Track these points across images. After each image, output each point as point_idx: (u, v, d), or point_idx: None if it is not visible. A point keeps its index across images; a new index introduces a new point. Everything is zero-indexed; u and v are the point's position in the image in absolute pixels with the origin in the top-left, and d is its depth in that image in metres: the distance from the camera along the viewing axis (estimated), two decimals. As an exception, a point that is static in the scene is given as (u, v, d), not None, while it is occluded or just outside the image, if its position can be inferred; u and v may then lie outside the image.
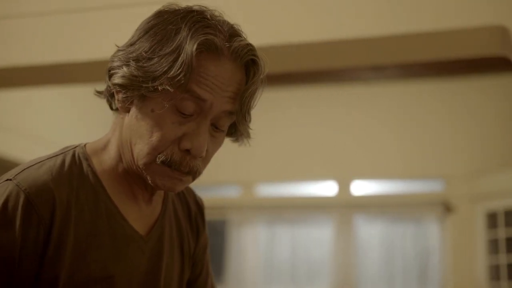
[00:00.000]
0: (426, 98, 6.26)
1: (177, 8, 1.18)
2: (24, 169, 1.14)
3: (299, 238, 6.42)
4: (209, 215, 6.00)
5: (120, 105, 1.20)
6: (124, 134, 1.21)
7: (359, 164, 6.34)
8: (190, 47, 1.10)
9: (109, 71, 1.19)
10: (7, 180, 1.12)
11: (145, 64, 1.13)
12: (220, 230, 6.71)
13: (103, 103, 1.29)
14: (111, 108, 1.26)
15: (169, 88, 1.10)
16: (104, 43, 2.44)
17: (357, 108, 6.43)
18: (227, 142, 1.35)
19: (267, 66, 1.18)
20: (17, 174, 1.12)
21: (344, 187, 6.37)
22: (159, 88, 1.10)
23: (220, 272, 6.51)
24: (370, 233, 6.25)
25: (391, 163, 6.26)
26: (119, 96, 1.19)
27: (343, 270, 6.19)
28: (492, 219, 5.75)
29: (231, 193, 6.73)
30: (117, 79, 1.16)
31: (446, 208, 5.99)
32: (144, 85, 1.12)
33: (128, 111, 1.20)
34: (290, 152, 6.48)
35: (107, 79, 1.20)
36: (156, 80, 1.11)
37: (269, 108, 6.61)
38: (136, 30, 1.20)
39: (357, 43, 2.29)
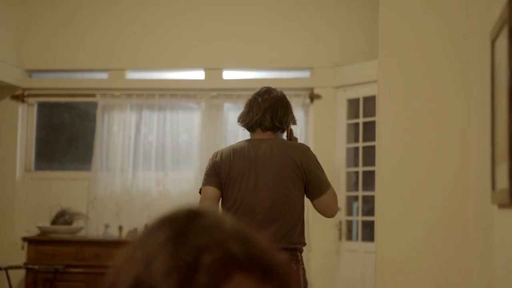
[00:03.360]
0: (296, -13, 6.33)
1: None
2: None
3: (167, 123, 6.48)
4: (78, 98, 6.00)
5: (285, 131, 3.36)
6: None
7: (228, 54, 6.40)
8: None
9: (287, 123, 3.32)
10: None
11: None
12: (90, 113, 6.66)
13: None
14: (275, 130, 3.28)
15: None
16: None
17: (227, -4, 6.42)
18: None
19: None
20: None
21: (213, 75, 6.43)
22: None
23: (89, 156, 6.51)
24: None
25: (259, 53, 6.36)
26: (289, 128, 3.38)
27: (210, 155, 6.32)
28: (352, 106, 6.05)
29: (101, 77, 6.65)
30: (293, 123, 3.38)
31: (311, 96, 6.22)
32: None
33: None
34: (160, 39, 6.43)
35: (287, 124, 3.31)
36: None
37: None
38: (281, 106, 3.28)
39: None
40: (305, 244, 3.26)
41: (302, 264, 3.23)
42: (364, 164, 5.87)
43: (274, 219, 3.14)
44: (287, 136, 3.40)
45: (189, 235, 0.79)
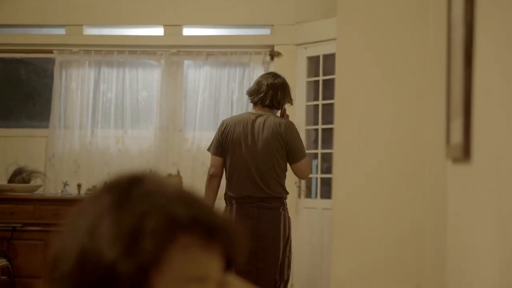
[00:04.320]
0: None
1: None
2: None
3: (126, 80, 6.40)
4: (34, 54, 5.88)
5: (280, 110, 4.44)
6: None
7: (188, 10, 6.32)
8: None
9: (282, 104, 4.39)
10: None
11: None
12: (47, 70, 6.54)
13: None
14: (272, 108, 4.34)
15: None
16: None
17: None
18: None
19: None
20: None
21: (172, 31, 6.36)
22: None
23: (46, 114, 6.41)
24: (198, 76, 6.35)
25: (219, 10, 6.29)
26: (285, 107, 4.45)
27: (170, 112, 6.30)
28: (312, 64, 6.04)
29: (58, 33, 6.52)
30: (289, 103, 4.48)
31: (272, 53, 6.19)
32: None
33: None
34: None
35: (282, 105, 4.39)
36: None
37: None
38: (281, 90, 4.34)
39: None
40: (288, 193, 4.34)
41: (287, 209, 4.31)
42: (324, 122, 5.89)
43: (264, 177, 4.19)
44: (281, 113, 4.39)
45: (131, 202, 0.79)
